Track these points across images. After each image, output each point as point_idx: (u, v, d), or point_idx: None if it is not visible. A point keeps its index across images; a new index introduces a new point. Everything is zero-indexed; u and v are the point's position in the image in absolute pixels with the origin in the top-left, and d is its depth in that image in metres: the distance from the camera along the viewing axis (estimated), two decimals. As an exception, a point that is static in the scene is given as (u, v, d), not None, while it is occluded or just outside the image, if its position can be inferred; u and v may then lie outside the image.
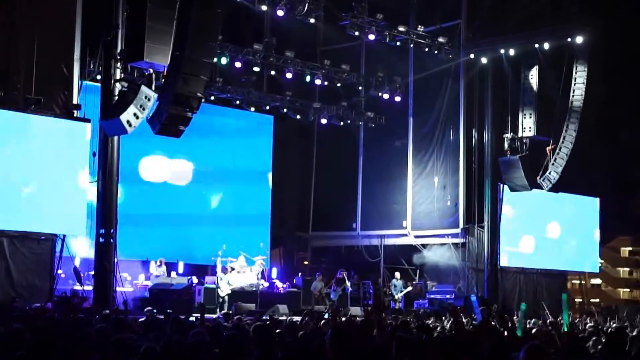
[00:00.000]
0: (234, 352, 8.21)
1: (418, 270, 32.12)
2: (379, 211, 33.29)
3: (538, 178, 29.54)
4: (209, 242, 29.53)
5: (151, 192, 29.71)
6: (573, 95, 29.27)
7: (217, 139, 31.49)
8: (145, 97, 20.73)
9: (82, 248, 24.82)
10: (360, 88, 33.14)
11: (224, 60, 28.15)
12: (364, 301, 29.63)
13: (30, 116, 21.76)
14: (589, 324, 15.14)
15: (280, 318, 19.01)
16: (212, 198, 31.66)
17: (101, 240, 22.02)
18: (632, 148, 34.17)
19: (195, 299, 25.32)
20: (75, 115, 22.65)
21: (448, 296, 29.17)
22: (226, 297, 25.76)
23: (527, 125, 29.83)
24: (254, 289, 27.20)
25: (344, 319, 13.71)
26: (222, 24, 22.05)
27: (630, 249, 53.68)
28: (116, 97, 21.85)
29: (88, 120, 23.21)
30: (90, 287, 22.69)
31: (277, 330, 11.21)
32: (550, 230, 32.02)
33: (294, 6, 27.39)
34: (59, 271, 22.85)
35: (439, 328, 14.94)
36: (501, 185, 30.45)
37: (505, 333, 10.34)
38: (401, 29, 29.74)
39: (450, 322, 16.71)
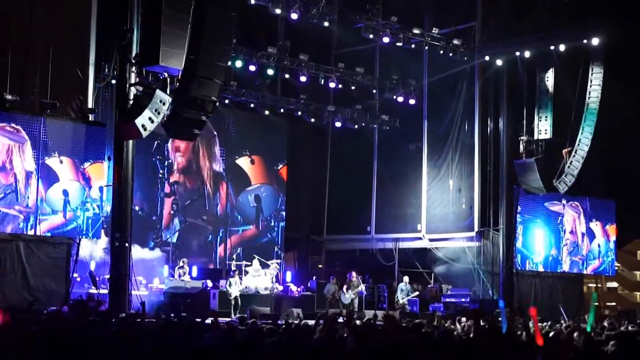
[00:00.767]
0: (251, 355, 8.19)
1: (433, 274, 31.98)
2: (393, 214, 33.18)
3: (554, 181, 29.40)
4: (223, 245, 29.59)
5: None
6: (589, 97, 29.10)
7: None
8: (160, 101, 20.79)
9: (97, 251, 24.89)
10: (374, 91, 33.08)
11: (238, 64, 28.14)
12: (379, 305, 29.56)
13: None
14: (607, 327, 15.00)
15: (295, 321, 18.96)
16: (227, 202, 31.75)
17: (116, 243, 22.03)
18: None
19: (210, 302, 25.31)
20: (90, 119, 22.69)
21: (463, 299, 29.02)
22: (233, 300, 25.65)
23: (543, 127, 29.71)
24: (269, 292, 27.19)
25: (358, 322, 13.67)
26: (236, 28, 22.03)
27: (646, 252, 53.31)
28: (131, 101, 21.89)
29: (103, 124, 23.27)
30: (105, 291, 22.72)
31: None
32: (566, 233, 31.92)
33: (308, 9, 27.38)
34: (75, 275, 22.90)
35: (454, 333, 14.84)
36: (517, 188, 30.32)
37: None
38: (416, 31, 29.66)
39: (465, 325, 16.62)
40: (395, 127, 33.11)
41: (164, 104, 20.89)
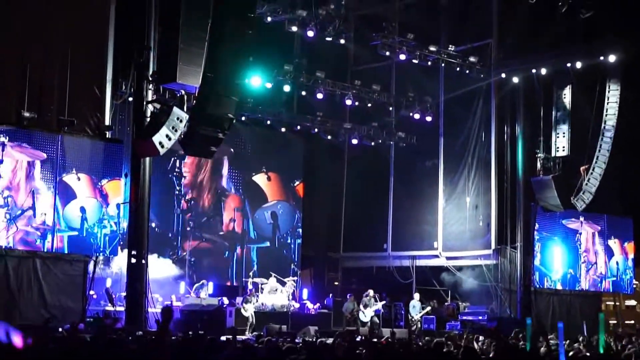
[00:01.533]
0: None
1: (450, 292, 31.85)
2: (410, 232, 33.09)
3: (572, 198, 29.26)
4: (240, 262, 29.56)
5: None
6: (606, 115, 29.02)
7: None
8: (177, 119, 20.83)
9: (113, 269, 24.93)
10: (391, 108, 33.07)
11: (255, 81, 28.20)
12: (396, 323, 29.43)
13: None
14: (628, 346, 14.88)
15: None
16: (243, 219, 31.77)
17: (132, 261, 22.03)
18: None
19: (227, 320, 25.25)
20: (107, 136, 22.75)
21: (480, 317, 28.88)
22: (249, 318, 25.57)
23: (560, 144, 29.61)
24: (285, 310, 27.12)
25: (376, 340, 13.59)
26: (253, 45, 22.05)
27: (665, 269, 52.95)
28: (148, 119, 21.93)
29: (120, 142, 23.32)
30: (122, 308, 22.70)
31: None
32: (583, 250, 31.78)
33: (324, 27, 27.43)
34: (91, 292, 22.90)
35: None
36: (534, 205, 30.18)
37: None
38: (432, 48, 29.64)
39: (484, 343, 16.50)
40: (411, 144, 33.10)
41: (181, 121, 20.92)
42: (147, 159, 22.38)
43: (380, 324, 27.96)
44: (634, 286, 34.65)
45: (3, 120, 21.00)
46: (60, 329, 17.92)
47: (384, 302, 28.79)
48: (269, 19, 26.95)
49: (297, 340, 16.92)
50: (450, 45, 30.02)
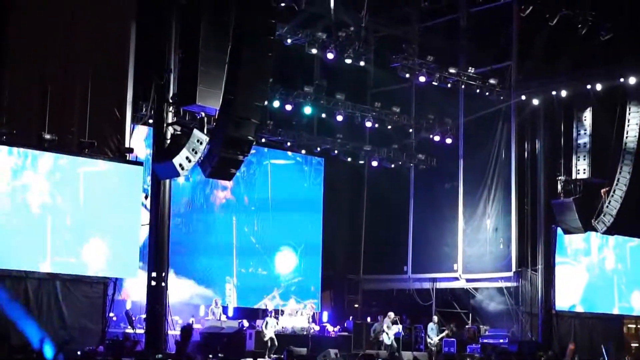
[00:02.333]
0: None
1: (470, 314, 31.70)
2: (430, 254, 32.97)
3: (593, 220, 29.07)
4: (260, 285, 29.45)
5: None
6: (627, 137, 28.85)
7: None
8: (198, 141, 20.85)
9: (133, 291, 24.92)
10: (410, 130, 33.09)
11: (275, 103, 28.31)
12: (416, 346, 29.28)
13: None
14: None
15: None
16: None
17: (152, 283, 22.01)
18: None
19: (246, 342, 25.17)
20: (127, 158, 22.80)
21: (501, 340, 28.69)
22: (269, 341, 25.47)
23: (581, 167, 29.45)
24: (305, 332, 27.02)
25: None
26: (273, 67, 22.11)
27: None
28: (168, 141, 21.99)
29: (141, 164, 23.36)
30: (141, 331, 22.67)
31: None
32: (605, 273, 31.61)
33: (344, 49, 27.48)
34: (111, 314, 22.88)
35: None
36: (555, 228, 30.02)
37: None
38: (452, 70, 29.63)
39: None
40: (431, 166, 33.05)
41: (201, 143, 20.94)
42: (167, 180, 22.42)
43: (399, 347, 27.81)
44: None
45: (24, 143, 21.06)
46: (79, 352, 17.95)
47: (401, 325, 28.62)
48: (289, 41, 27.04)
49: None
50: (470, 67, 30.00)
